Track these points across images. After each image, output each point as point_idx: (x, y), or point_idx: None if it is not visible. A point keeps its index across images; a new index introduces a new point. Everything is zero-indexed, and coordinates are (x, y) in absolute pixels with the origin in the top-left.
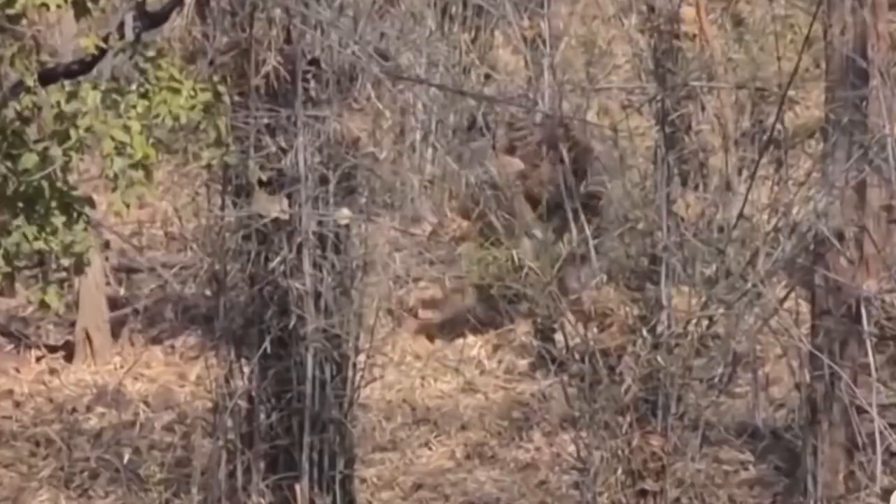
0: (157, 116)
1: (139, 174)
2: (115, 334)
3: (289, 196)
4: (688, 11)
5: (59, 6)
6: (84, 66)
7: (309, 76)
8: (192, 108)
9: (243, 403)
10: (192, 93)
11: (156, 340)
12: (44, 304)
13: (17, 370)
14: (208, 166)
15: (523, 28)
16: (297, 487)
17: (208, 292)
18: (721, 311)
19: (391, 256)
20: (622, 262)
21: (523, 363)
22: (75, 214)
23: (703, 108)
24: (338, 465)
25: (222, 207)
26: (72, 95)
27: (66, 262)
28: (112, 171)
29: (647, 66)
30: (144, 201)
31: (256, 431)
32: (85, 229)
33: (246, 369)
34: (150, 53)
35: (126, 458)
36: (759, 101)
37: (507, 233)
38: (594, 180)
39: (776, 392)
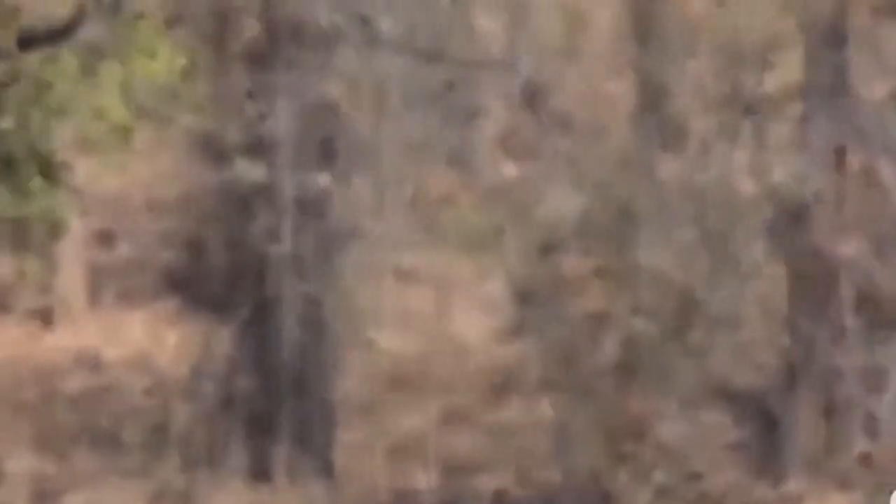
0: (135, 81)
1: (118, 139)
2: (94, 299)
3: (268, 161)
4: None
5: None
6: (63, 30)
7: (289, 41)
8: (171, 72)
9: (222, 368)
10: (170, 57)
11: (135, 305)
12: (22, 270)
13: None
14: (187, 131)
15: None
16: (276, 451)
17: (188, 257)
18: (701, 274)
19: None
20: (602, 226)
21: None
22: (54, 179)
23: (682, 72)
24: (317, 428)
25: (202, 172)
26: (51, 60)
27: (44, 226)
28: (91, 135)
29: (626, 30)
30: (124, 166)
31: (235, 396)
32: (64, 194)
33: (225, 334)
34: (129, 18)
35: (105, 422)
36: (739, 65)
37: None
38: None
39: (755, 355)
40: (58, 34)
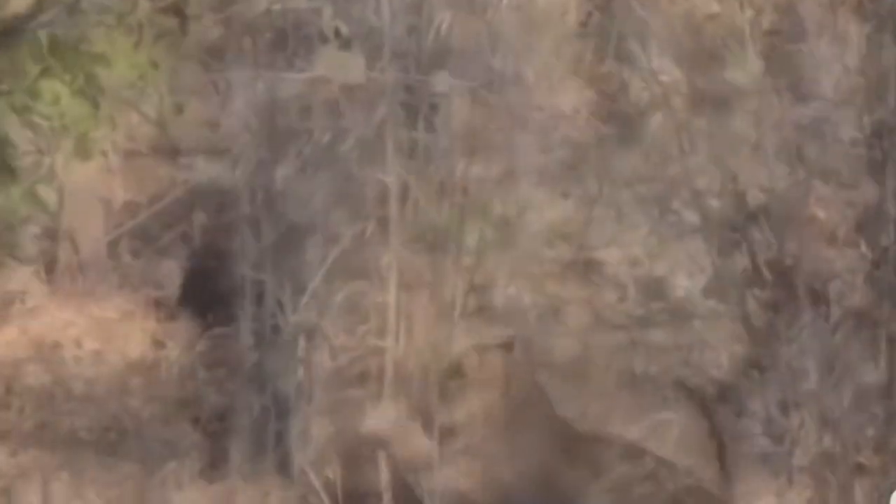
0: (96, 77)
1: (78, 135)
2: (54, 294)
3: (229, 158)
4: None
5: None
6: (23, 24)
7: (249, 36)
8: (131, 68)
9: (182, 364)
10: (131, 53)
11: (95, 300)
12: None
13: None
14: (148, 127)
15: None
16: (235, 448)
17: (148, 253)
18: (661, 270)
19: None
20: (561, 220)
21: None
22: (13, 175)
23: (641, 67)
24: (276, 424)
25: (162, 169)
26: (9, 55)
27: (3, 222)
28: (50, 131)
29: (585, 25)
30: (84, 162)
31: (195, 392)
32: (23, 190)
33: (186, 330)
34: (90, 13)
35: (62, 417)
36: (697, 60)
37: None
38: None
39: (713, 352)
40: (17, 27)
